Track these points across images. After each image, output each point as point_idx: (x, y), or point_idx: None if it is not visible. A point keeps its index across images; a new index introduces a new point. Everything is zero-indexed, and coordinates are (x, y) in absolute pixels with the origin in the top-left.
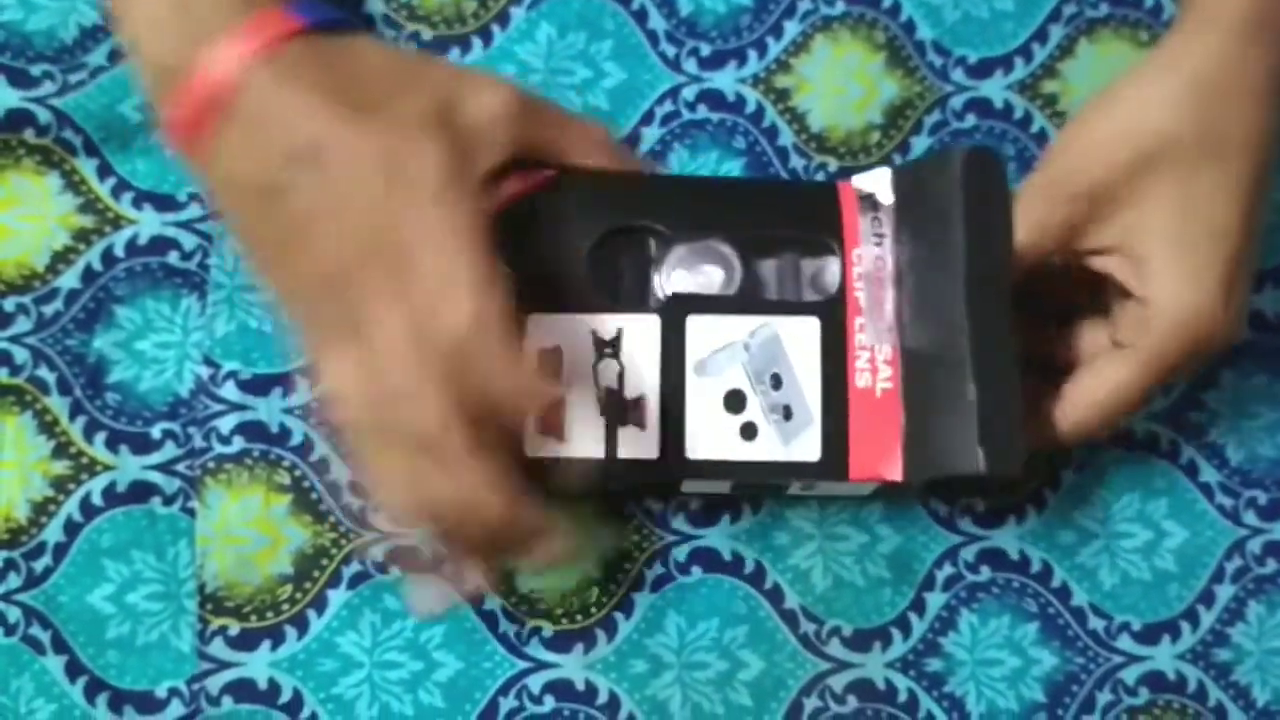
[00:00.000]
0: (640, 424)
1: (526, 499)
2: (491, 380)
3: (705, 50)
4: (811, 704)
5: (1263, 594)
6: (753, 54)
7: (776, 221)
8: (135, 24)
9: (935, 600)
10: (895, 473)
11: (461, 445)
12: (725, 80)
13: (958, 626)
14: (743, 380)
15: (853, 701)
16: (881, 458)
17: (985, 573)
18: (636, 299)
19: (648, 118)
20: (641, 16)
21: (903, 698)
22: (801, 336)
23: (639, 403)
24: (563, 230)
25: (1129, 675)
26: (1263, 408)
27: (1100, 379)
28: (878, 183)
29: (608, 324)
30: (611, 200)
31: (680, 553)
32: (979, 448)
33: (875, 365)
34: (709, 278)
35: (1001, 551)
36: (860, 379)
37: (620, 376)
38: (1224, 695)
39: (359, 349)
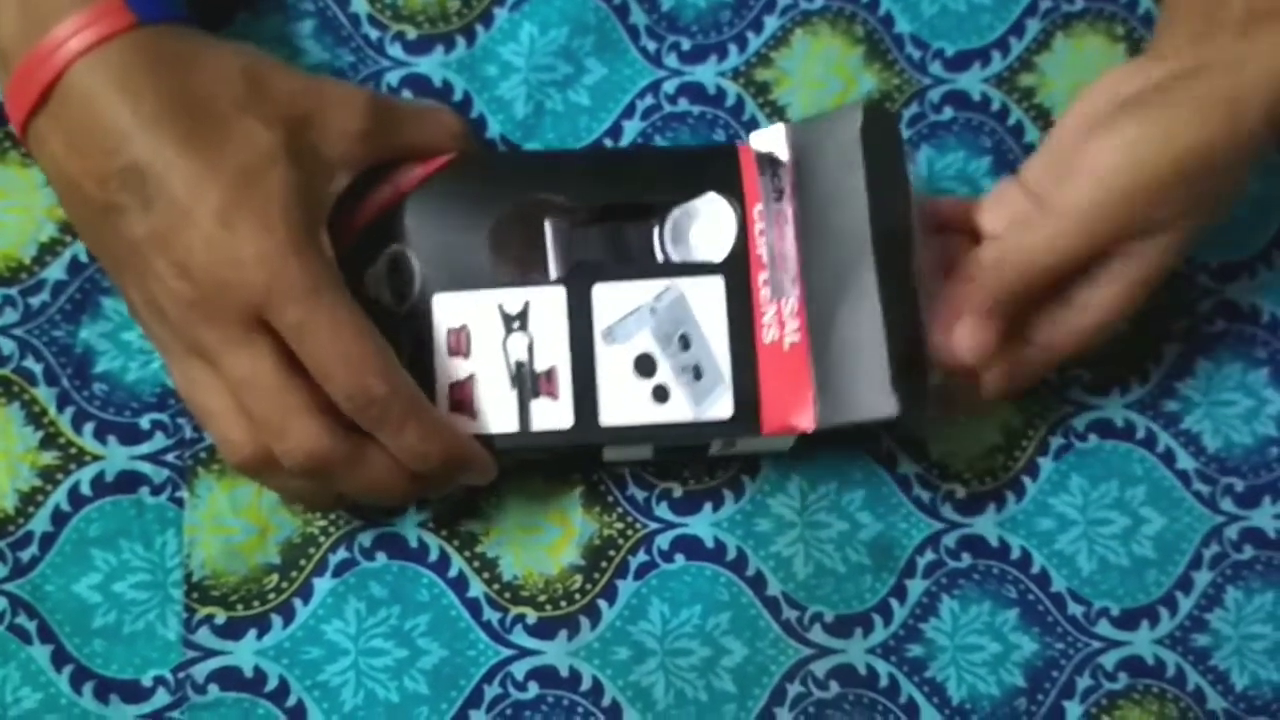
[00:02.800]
0: (553, 394)
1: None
2: (409, 441)
3: (686, 45)
4: (794, 689)
5: (1240, 580)
6: (733, 48)
7: (676, 186)
8: None
9: (916, 587)
10: (807, 422)
11: (349, 454)
12: (706, 74)
13: (938, 613)
14: (651, 344)
15: (835, 687)
16: (793, 409)
17: (965, 559)
18: (540, 272)
19: (629, 111)
20: (623, 12)
21: (884, 683)
22: (707, 296)
23: (550, 374)
24: (463, 209)
25: (1108, 660)
26: (1238, 395)
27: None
28: (774, 140)
29: (514, 298)
30: (510, 177)
31: (663, 540)
32: (893, 392)
33: (782, 319)
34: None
35: (981, 538)
36: (767, 334)
37: (530, 349)
38: (1202, 680)
39: (179, 374)
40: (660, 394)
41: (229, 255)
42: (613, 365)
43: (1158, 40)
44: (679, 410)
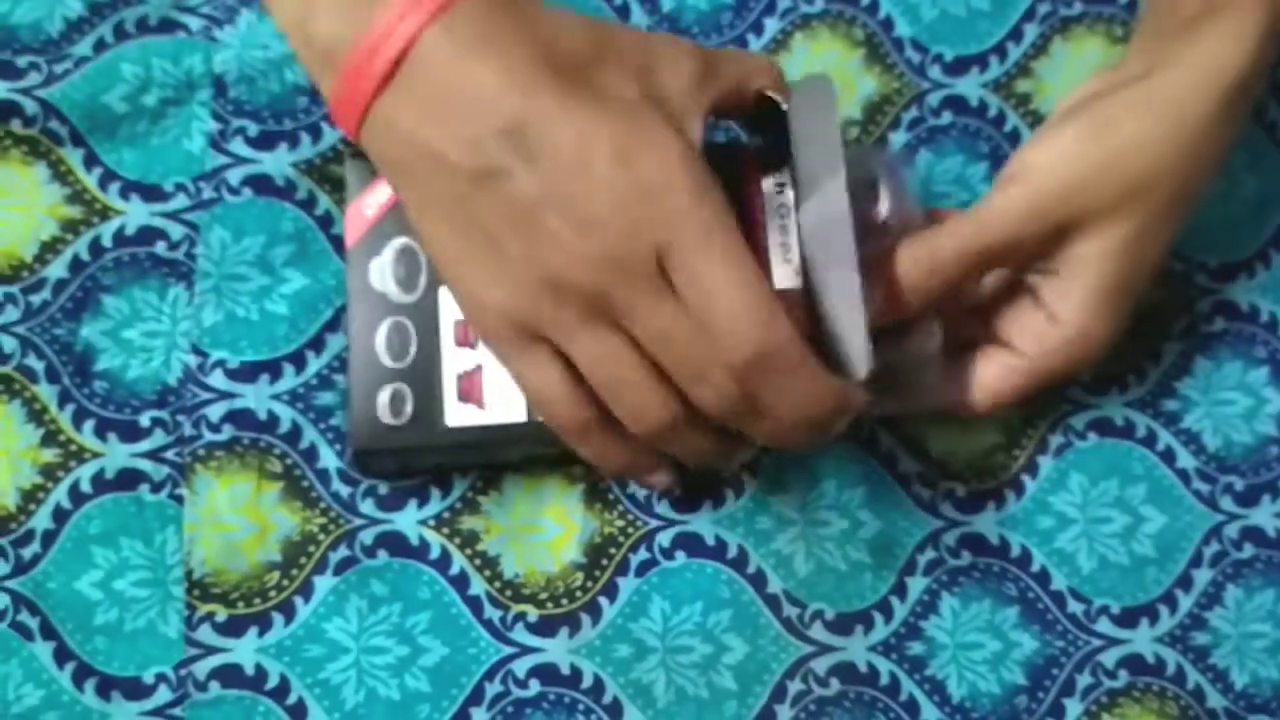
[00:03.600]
0: None
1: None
2: (796, 396)
3: None
4: (795, 687)
5: (1240, 578)
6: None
7: None
8: (292, 1)
9: (916, 585)
10: None
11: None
12: None
13: (939, 610)
14: None
15: (835, 684)
16: None
17: (966, 557)
18: None
19: None
20: (624, 12)
21: (884, 681)
22: None
23: None
24: None
25: (1108, 658)
26: (1237, 395)
27: (985, 377)
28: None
29: None
30: None
31: (664, 538)
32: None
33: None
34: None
35: (982, 536)
36: None
37: None
38: (1202, 678)
39: (579, 351)
40: None
41: (634, 193)
42: None
43: (1129, 46)
44: None
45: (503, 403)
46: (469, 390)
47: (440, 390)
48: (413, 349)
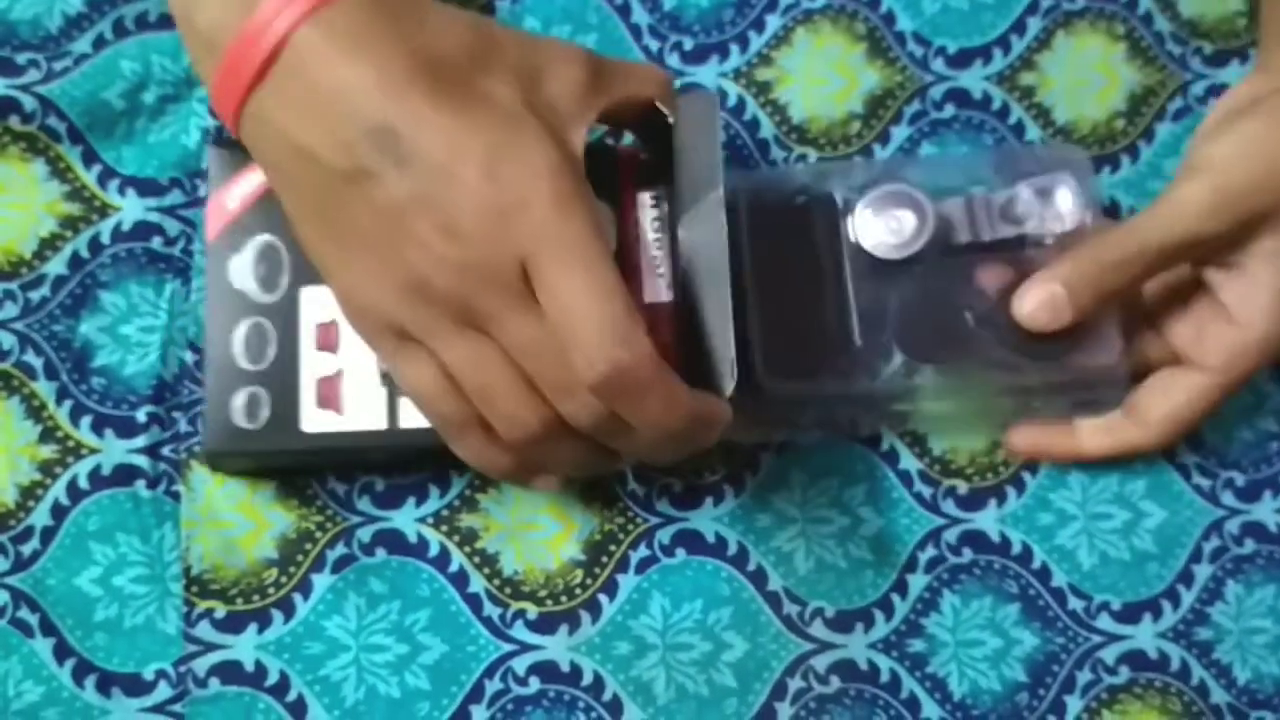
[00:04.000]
0: None
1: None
2: (654, 412)
3: (688, 44)
4: (795, 684)
5: (1241, 574)
6: (735, 48)
7: None
8: None
9: (917, 582)
10: None
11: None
12: (707, 75)
13: (940, 608)
14: None
15: (836, 682)
16: None
17: (967, 555)
18: None
19: None
20: (625, 10)
21: (885, 678)
22: None
23: None
24: None
25: (1108, 654)
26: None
27: (1171, 403)
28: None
29: None
30: None
31: (664, 535)
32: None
33: (655, 323)
34: (901, 223)
35: (982, 534)
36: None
37: None
38: (1205, 673)
39: (449, 355)
40: None
41: (498, 206)
42: None
43: (1265, 59)
44: None
45: (363, 410)
46: (328, 396)
47: (298, 395)
48: (271, 351)
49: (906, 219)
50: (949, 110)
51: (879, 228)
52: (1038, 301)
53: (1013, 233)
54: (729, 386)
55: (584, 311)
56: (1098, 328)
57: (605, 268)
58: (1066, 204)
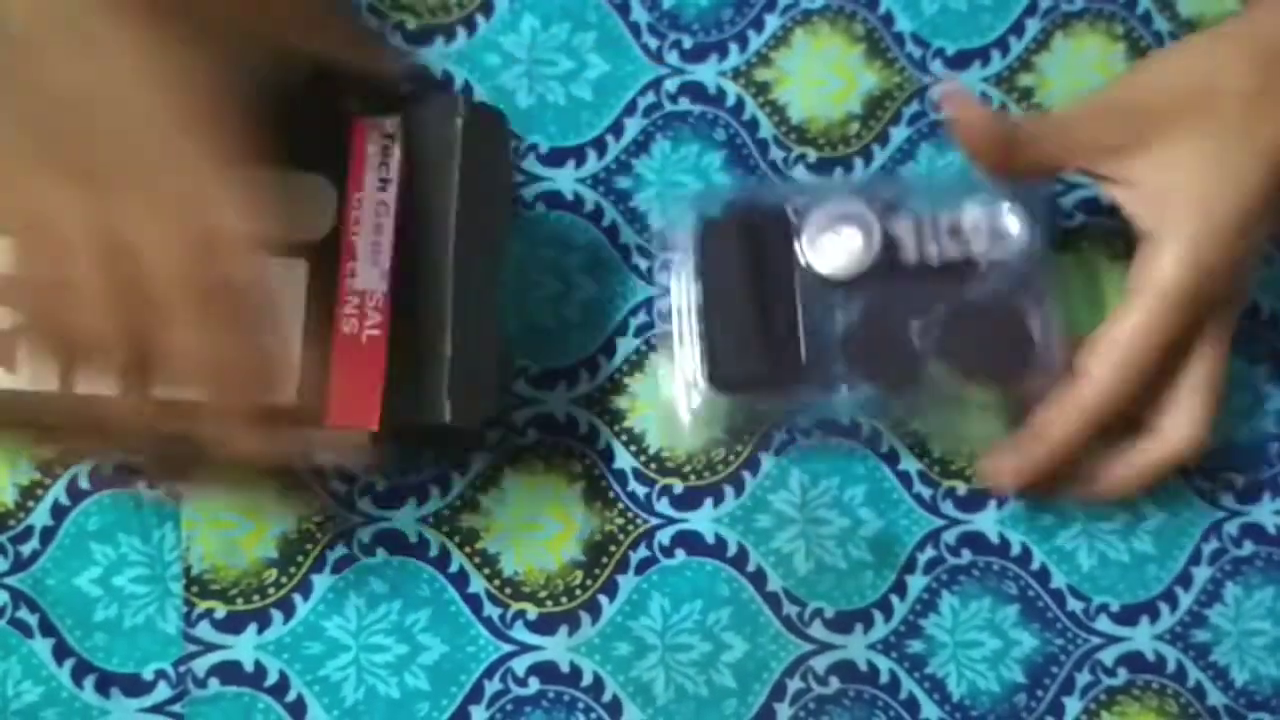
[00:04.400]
0: None
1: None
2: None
3: (687, 43)
4: (794, 685)
5: (1240, 575)
6: (734, 47)
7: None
8: None
9: (916, 583)
10: (372, 421)
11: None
12: (707, 73)
13: (939, 609)
14: None
15: (835, 683)
16: (361, 405)
17: (966, 556)
18: None
19: (630, 109)
20: (624, 9)
21: (884, 679)
22: (288, 279)
23: None
24: None
25: (1107, 656)
26: (1237, 392)
27: (1115, 326)
28: (393, 124)
29: None
30: None
31: (664, 536)
32: (446, 400)
33: (365, 311)
34: (848, 242)
35: (982, 535)
36: (347, 325)
37: None
38: (1203, 675)
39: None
40: None
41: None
42: None
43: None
44: None
45: (37, 369)
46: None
47: None
48: None
49: (854, 238)
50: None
51: (827, 246)
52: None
53: (960, 254)
54: (442, 416)
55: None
56: (1041, 352)
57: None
58: (1015, 227)
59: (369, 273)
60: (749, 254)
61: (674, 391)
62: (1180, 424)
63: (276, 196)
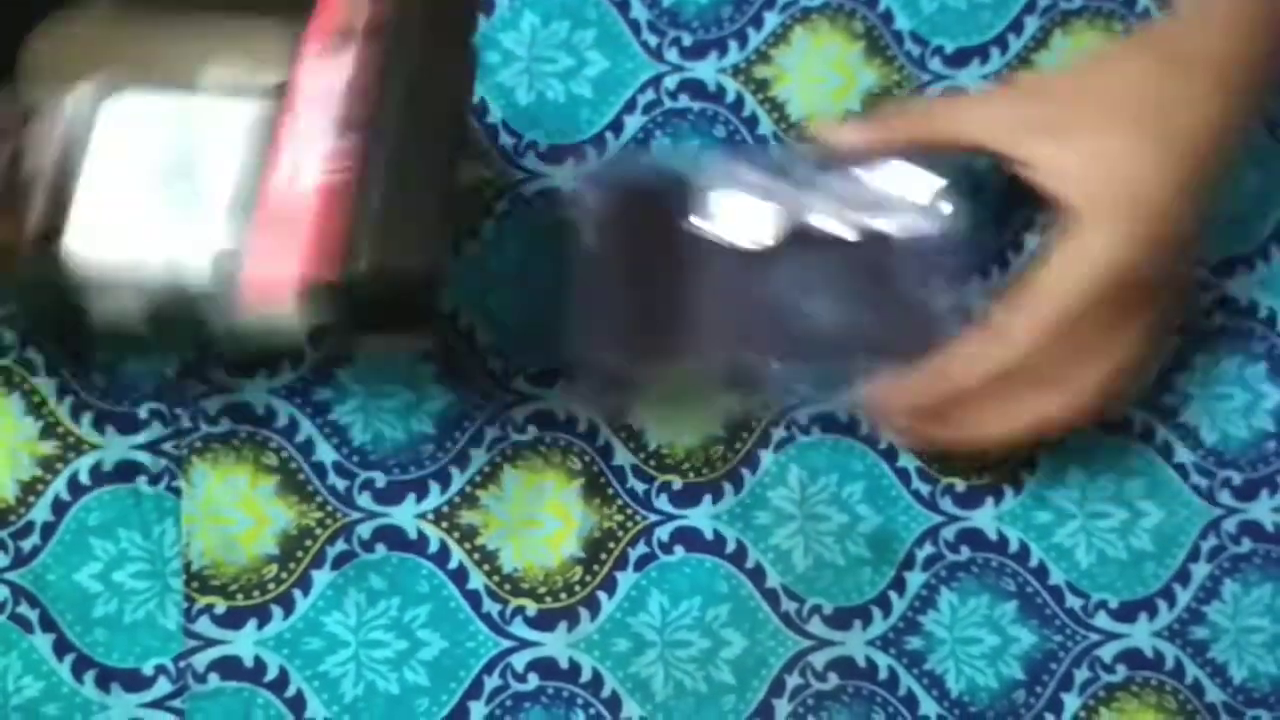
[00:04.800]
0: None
1: None
2: None
3: (687, 40)
4: (793, 681)
5: (1238, 572)
6: (734, 44)
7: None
8: None
9: (915, 579)
10: (328, 272)
11: None
12: (706, 70)
13: (937, 605)
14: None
15: (834, 679)
16: (306, 257)
17: (965, 552)
18: None
19: (630, 106)
20: (624, 6)
21: (883, 675)
22: (231, 122)
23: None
24: None
25: (1106, 653)
26: (1235, 389)
27: (1039, 293)
28: None
29: None
30: None
31: (663, 532)
32: (365, 250)
33: (311, 162)
34: (750, 213)
35: (980, 531)
36: (286, 176)
37: None
38: (1201, 672)
39: None
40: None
41: None
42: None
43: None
44: (159, 249)
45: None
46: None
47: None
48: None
49: (756, 209)
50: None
51: (728, 215)
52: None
53: (870, 230)
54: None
55: None
56: (938, 328)
57: None
58: (922, 205)
59: (319, 124)
60: (647, 221)
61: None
62: (1074, 390)
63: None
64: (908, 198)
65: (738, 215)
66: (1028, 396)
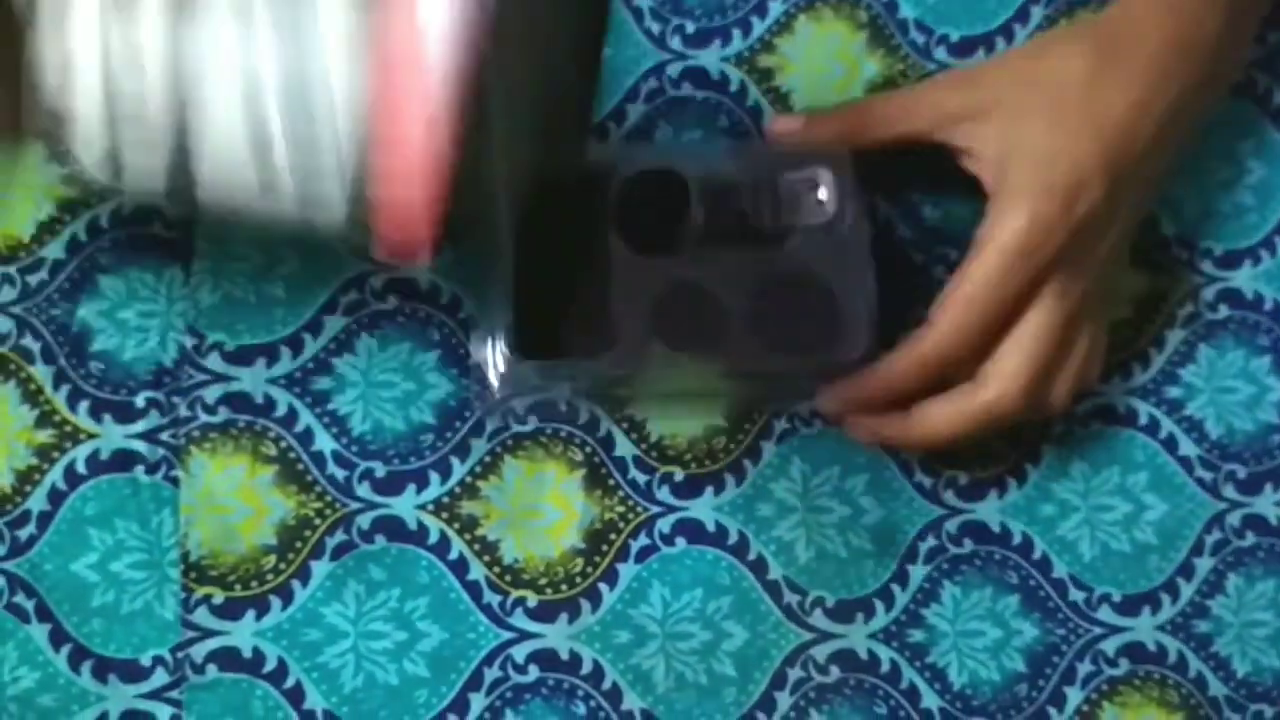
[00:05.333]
0: None
1: None
2: None
3: (690, 28)
4: (795, 674)
5: (1242, 566)
6: (737, 33)
7: None
8: None
9: (918, 572)
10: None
11: None
12: (709, 58)
13: (940, 598)
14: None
15: (836, 672)
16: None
17: (967, 545)
18: None
19: (633, 94)
20: None
21: (885, 668)
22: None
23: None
24: None
25: (1109, 646)
26: (1240, 383)
27: (959, 280)
28: None
29: None
30: None
31: (664, 524)
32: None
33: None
34: (665, 206)
35: (983, 524)
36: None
37: None
38: (1204, 666)
39: None
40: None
41: None
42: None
43: None
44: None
45: None
46: None
47: None
48: None
49: (671, 202)
50: None
51: (642, 209)
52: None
53: (777, 223)
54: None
55: None
56: (851, 325)
57: None
58: (829, 195)
59: None
60: (566, 216)
61: (484, 353)
62: (997, 375)
63: None
64: (811, 191)
65: (645, 208)
66: (965, 387)
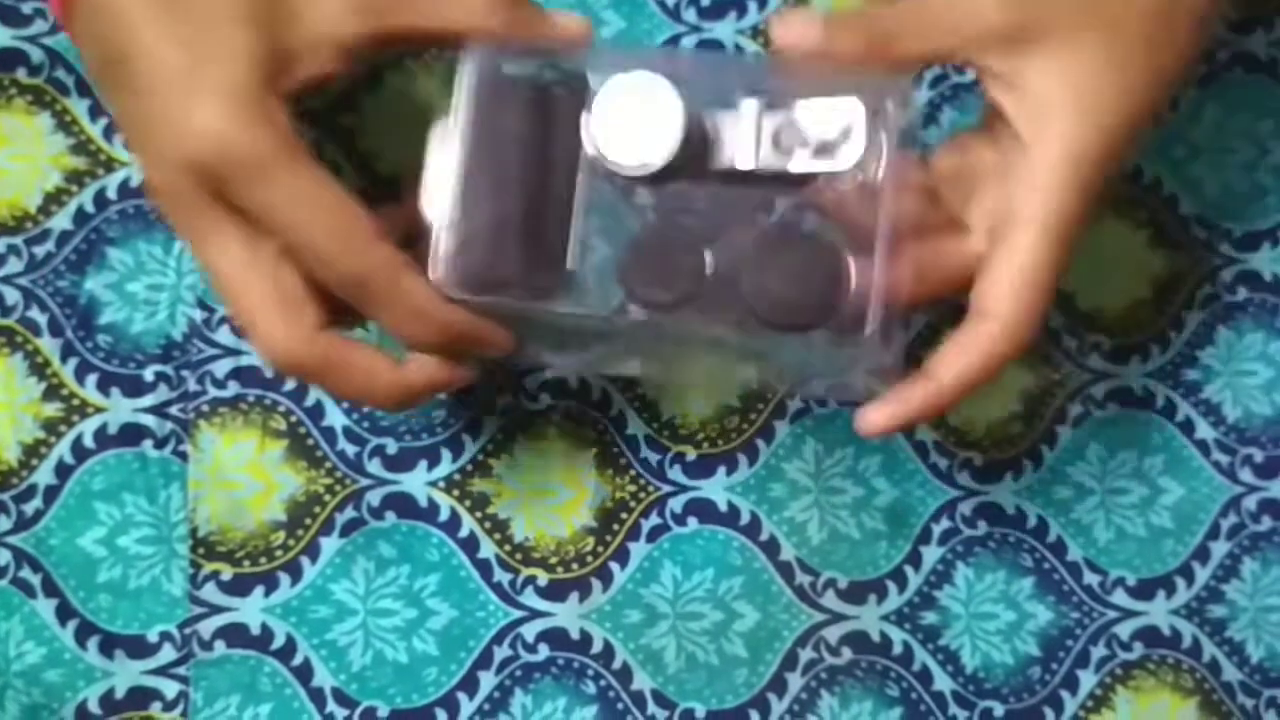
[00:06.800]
0: None
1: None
2: (399, 315)
3: (705, 0)
4: (806, 655)
5: (1258, 551)
6: (752, 5)
7: None
8: None
9: (931, 554)
10: None
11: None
12: (725, 30)
13: (953, 580)
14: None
15: (847, 653)
16: None
17: (982, 527)
18: None
19: None
20: None
21: (897, 650)
22: None
23: None
24: None
25: (1123, 630)
26: (1259, 366)
27: (1015, 262)
28: None
29: None
30: None
31: (676, 504)
32: None
33: None
34: (644, 128)
35: (998, 506)
36: None
37: None
38: (1218, 651)
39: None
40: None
41: (180, 130)
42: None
43: None
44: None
45: None
46: None
47: None
48: None
49: (651, 124)
50: (970, 74)
51: (618, 130)
52: (803, 30)
53: (785, 165)
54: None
55: (301, 227)
56: (859, 298)
57: (308, 180)
58: (859, 136)
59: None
60: (532, 126)
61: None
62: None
63: None
64: (836, 128)
65: (626, 128)
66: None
